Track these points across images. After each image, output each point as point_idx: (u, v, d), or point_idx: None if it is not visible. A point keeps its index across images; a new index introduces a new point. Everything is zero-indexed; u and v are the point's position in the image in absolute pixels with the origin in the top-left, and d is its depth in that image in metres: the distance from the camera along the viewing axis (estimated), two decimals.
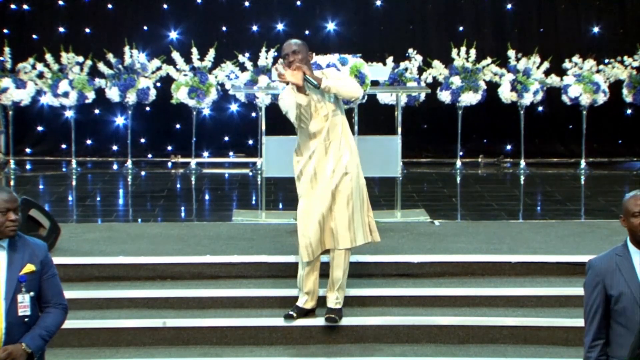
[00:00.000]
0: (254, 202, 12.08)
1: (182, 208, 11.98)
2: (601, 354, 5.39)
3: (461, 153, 13.98)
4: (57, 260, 8.78)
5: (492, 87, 13.75)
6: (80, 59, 13.70)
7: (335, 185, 7.92)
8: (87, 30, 14.60)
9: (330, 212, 7.92)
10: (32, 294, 5.67)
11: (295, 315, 8.15)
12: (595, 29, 14.75)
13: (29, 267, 5.68)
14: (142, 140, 14.61)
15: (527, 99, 13.64)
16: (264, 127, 10.69)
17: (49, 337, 5.74)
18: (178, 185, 13.31)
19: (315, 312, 8.21)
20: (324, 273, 8.17)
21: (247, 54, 13.79)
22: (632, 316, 5.30)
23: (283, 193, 11.96)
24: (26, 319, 5.65)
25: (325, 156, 7.94)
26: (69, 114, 14.00)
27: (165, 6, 14.69)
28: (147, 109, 14.33)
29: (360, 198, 8.04)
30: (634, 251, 5.38)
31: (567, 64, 13.81)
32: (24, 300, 5.64)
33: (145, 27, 14.59)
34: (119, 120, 14.55)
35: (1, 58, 13.74)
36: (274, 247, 9.14)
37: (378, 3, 14.83)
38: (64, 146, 14.48)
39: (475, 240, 9.60)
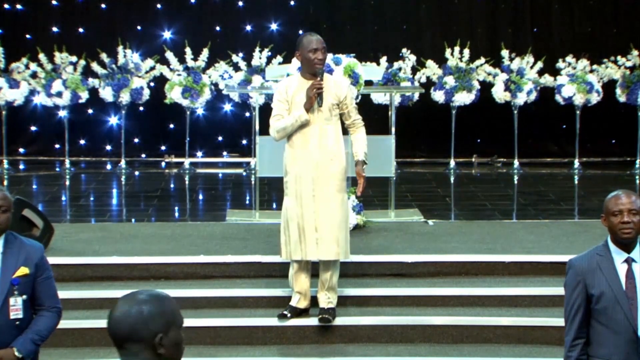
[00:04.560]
0: (247, 202, 12.07)
1: (176, 208, 11.98)
2: (582, 354, 5.42)
3: (455, 153, 13.98)
4: (50, 260, 8.74)
5: (486, 87, 13.75)
6: (74, 58, 13.68)
7: (321, 196, 7.90)
8: (81, 30, 14.58)
9: (313, 221, 7.90)
10: (24, 297, 5.61)
11: (288, 314, 8.15)
12: (589, 29, 14.76)
13: (23, 270, 5.63)
14: (136, 140, 14.59)
15: (521, 99, 13.65)
16: (257, 127, 10.68)
17: (41, 341, 5.68)
18: (172, 185, 13.30)
19: (309, 312, 8.21)
20: (316, 273, 8.17)
21: (240, 54, 13.79)
22: (613, 315, 5.32)
23: (277, 193, 11.92)
24: (17, 322, 5.60)
25: (313, 163, 7.92)
26: (62, 113, 13.98)
27: (158, 6, 14.68)
28: (141, 108, 14.31)
29: (345, 213, 8.02)
30: (614, 250, 5.40)
31: (560, 64, 13.82)
32: (16, 304, 5.58)
33: (138, 27, 14.57)
34: (113, 120, 14.53)
35: None
36: (267, 247, 9.13)
37: (372, 3, 14.83)
38: (57, 146, 14.45)
39: (469, 240, 9.61)
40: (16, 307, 5.58)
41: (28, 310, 5.65)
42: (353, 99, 8.26)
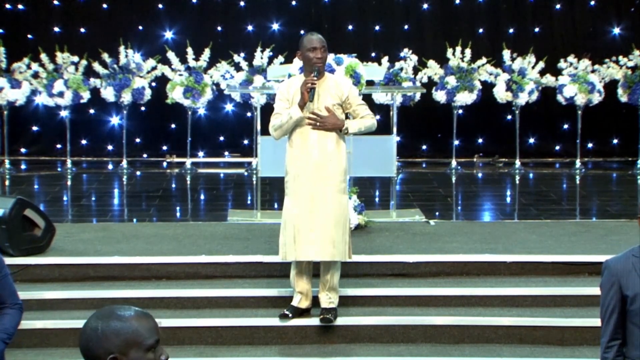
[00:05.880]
0: (249, 202, 12.07)
1: (177, 208, 11.97)
2: (617, 355, 5.38)
3: (456, 153, 13.97)
4: (52, 260, 8.83)
5: (488, 87, 13.75)
6: (75, 58, 13.68)
7: (317, 196, 7.88)
8: (82, 29, 14.59)
9: (309, 222, 7.88)
10: None
11: (290, 314, 8.14)
12: (591, 29, 14.76)
13: None
14: (137, 140, 14.59)
15: (522, 99, 13.64)
16: (259, 127, 10.68)
17: (9, 340, 5.63)
18: (173, 185, 13.30)
19: (310, 312, 8.21)
20: (318, 273, 8.17)
21: (242, 54, 13.79)
22: None
23: (278, 193, 11.91)
24: None
25: (311, 163, 7.90)
26: (64, 113, 13.98)
27: (160, 6, 14.69)
28: (142, 108, 14.32)
29: (344, 214, 8.00)
30: None
31: (562, 64, 13.82)
32: None
33: (140, 27, 14.58)
34: (114, 120, 14.54)
35: None
36: (269, 247, 9.12)
37: (373, 3, 14.83)
38: (59, 146, 14.47)
39: (470, 240, 9.60)
40: None
41: None
42: (357, 97, 8.23)
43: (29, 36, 14.49)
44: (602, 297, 5.43)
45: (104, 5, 14.61)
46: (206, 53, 13.60)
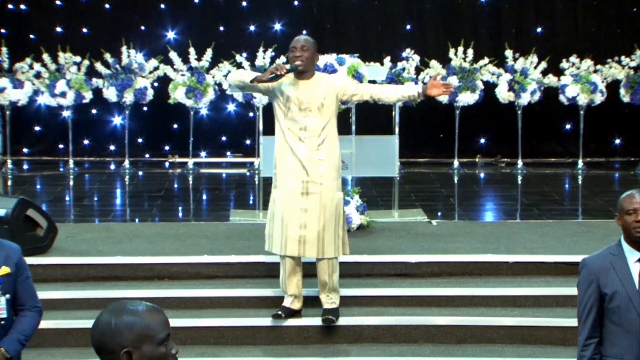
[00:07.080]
0: (251, 202, 12.08)
1: (180, 208, 11.98)
2: (595, 353, 5.41)
3: (458, 153, 13.96)
4: (54, 260, 8.84)
5: (490, 87, 13.74)
6: (78, 58, 13.68)
7: (307, 193, 7.86)
8: (85, 30, 14.59)
9: (299, 219, 7.85)
10: (7, 296, 5.58)
11: (283, 315, 8.12)
12: (593, 29, 14.75)
13: (4, 270, 5.59)
14: (140, 140, 14.59)
15: (525, 99, 13.64)
16: (261, 127, 10.69)
17: (26, 341, 5.67)
18: (175, 185, 13.30)
19: (301, 313, 8.20)
20: (309, 274, 8.15)
21: (244, 54, 13.77)
22: (625, 315, 5.32)
23: None
24: (2, 322, 5.58)
25: (302, 161, 7.88)
26: (66, 113, 13.99)
27: (162, 6, 14.69)
28: (145, 108, 14.32)
29: (336, 212, 7.97)
30: (628, 250, 5.40)
31: (564, 64, 13.81)
32: (0, 303, 5.57)
33: (142, 27, 14.58)
34: (117, 120, 14.54)
35: None
36: None
37: (375, 3, 14.83)
38: (61, 146, 14.47)
39: (472, 240, 9.60)
40: (0, 306, 5.57)
41: (10, 310, 5.63)
42: (353, 81, 8.23)
43: (32, 36, 14.49)
44: (579, 295, 5.46)
45: (107, 5, 14.61)
46: (208, 53, 13.60)
